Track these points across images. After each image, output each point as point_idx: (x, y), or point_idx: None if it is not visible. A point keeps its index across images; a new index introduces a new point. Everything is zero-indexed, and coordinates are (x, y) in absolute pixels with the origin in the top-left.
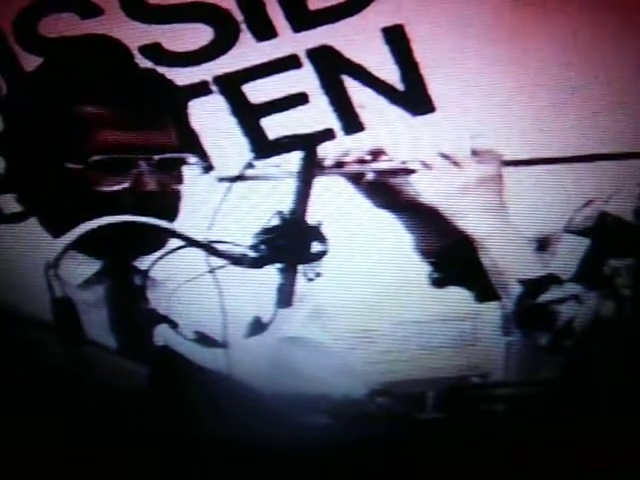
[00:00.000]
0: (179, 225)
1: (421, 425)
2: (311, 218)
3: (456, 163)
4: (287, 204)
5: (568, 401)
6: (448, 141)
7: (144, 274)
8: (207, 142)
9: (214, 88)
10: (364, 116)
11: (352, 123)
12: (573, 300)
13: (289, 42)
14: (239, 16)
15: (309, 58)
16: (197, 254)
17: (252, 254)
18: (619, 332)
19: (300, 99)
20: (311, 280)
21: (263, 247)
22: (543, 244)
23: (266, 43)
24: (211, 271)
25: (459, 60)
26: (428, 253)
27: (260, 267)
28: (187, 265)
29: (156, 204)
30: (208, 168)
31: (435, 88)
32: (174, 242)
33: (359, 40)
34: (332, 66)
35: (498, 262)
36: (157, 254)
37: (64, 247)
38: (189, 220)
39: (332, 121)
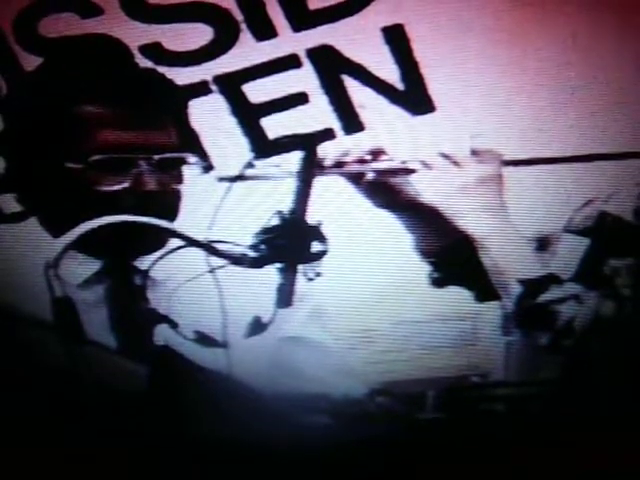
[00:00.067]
0: (179, 225)
1: (421, 425)
2: (311, 218)
3: (456, 163)
4: (287, 204)
5: (568, 401)
6: (448, 141)
7: (144, 274)
8: (207, 142)
9: (214, 88)
10: (364, 116)
11: (352, 123)
12: (573, 300)
13: (289, 42)
14: (239, 16)
15: (309, 58)
16: (197, 254)
17: (252, 254)
18: (619, 332)
19: (300, 99)
20: (311, 280)
21: (263, 247)
22: (543, 244)
23: (266, 43)
24: (211, 271)
25: (459, 60)
26: (428, 253)
27: (260, 267)
28: (187, 265)
29: (156, 204)
30: (208, 168)
31: (435, 88)
32: (174, 242)
33: (359, 40)
34: (332, 66)
35: (498, 262)
36: (157, 254)
37: (64, 247)
38: (189, 220)
39: (332, 121)
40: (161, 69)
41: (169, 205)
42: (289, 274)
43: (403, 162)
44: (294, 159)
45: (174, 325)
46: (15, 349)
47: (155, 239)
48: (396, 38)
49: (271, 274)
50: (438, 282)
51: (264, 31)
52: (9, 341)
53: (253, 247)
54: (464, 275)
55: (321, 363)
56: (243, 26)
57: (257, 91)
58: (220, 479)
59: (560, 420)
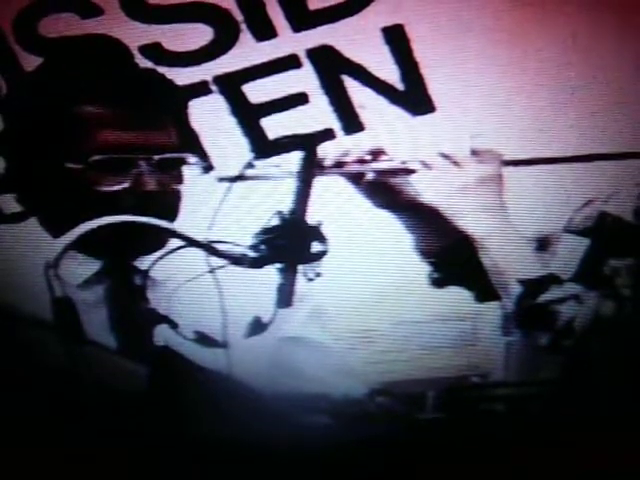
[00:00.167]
0: (179, 225)
1: (421, 425)
2: (311, 218)
3: (456, 163)
4: (287, 204)
5: (568, 401)
6: (448, 141)
7: (144, 274)
8: (207, 142)
9: (214, 88)
10: (364, 116)
11: (352, 123)
12: (573, 300)
13: (289, 42)
14: (239, 16)
15: (309, 58)
16: (197, 254)
17: (252, 254)
18: (619, 332)
19: (300, 99)
20: (311, 280)
21: (263, 247)
22: (543, 244)
23: (266, 43)
24: (211, 271)
25: (459, 60)
26: (428, 253)
27: (260, 267)
28: (187, 265)
29: (156, 204)
30: (208, 168)
31: (435, 88)
32: (174, 242)
33: (359, 40)
34: (332, 66)
35: (498, 262)
36: (157, 254)
37: (64, 247)
38: (189, 220)
39: (332, 121)
40: (161, 69)
41: (169, 205)
42: (289, 274)
43: (403, 162)
44: (294, 159)
45: (174, 325)
46: (15, 349)
47: (155, 239)
48: (396, 38)
49: (271, 274)
50: (438, 282)
51: (264, 31)
52: (9, 341)
53: (253, 247)
54: (464, 275)
55: (321, 363)
56: (243, 26)
57: (257, 91)
58: (220, 479)
59: (560, 420)
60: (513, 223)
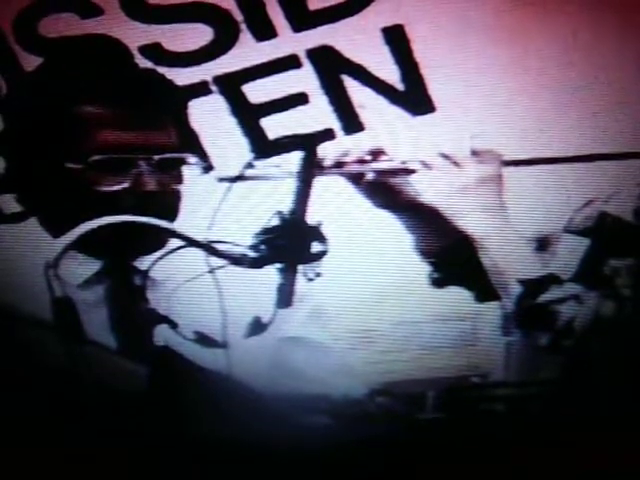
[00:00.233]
0: (179, 225)
1: (421, 425)
2: (311, 218)
3: (456, 163)
4: (287, 204)
5: (568, 401)
6: (448, 141)
7: (144, 274)
8: (207, 142)
9: (214, 88)
10: (364, 116)
11: (352, 123)
12: (573, 300)
13: (289, 42)
14: (239, 16)
15: (309, 58)
16: (197, 254)
17: (252, 254)
18: (619, 332)
19: (300, 99)
20: (311, 280)
21: (263, 247)
22: (543, 244)
23: (266, 43)
24: (211, 271)
25: (459, 60)
26: (428, 253)
27: (260, 267)
28: (187, 265)
29: (156, 204)
30: (208, 168)
31: (435, 88)
32: (174, 242)
33: (359, 40)
34: (332, 66)
35: (498, 262)
36: (157, 254)
37: (64, 247)
38: (189, 220)
39: (332, 121)
40: (161, 69)
41: (169, 205)
42: (289, 274)
43: (403, 162)
44: (294, 159)
45: (174, 325)
46: (15, 349)
47: (155, 239)
48: (396, 38)
49: (271, 274)
50: (438, 282)
51: (264, 31)
52: (9, 341)
53: (253, 247)
54: (464, 275)
55: (321, 363)
56: (243, 26)
57: (257, 91)
58: (220, 479)
59: (560, 420)
60: (513, 223)
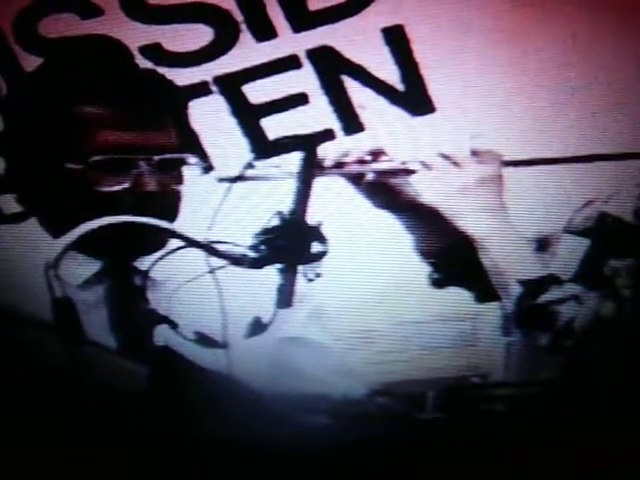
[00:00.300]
0: (179, 225)
1: (421, 425)
2: (311, 218)
3: (456, 163)
4: (287, 204)
5: (568, 401)
6: (448, 141)
7: (144, 274)
8: (207, 142)
9: (214, 88)
10: (364, 116)
11: (352, 123)
12: (573, 300)
13: (289, 42)
14: (239, 16)
15: (309, 58)
16: (197, 254)
17: (252, 254)
18: (619, 332)
19: (300, 99)
20: (311, 280)
21: (263, 247)
22: (543, 244)
23: (266, 43)
24: (211, 271)
25: (459, 61)
26: (428, 253)
27: (260, 267)
28: (187, 265)
29: (156, 204)
30: (208, 168)
31: (435, 89)
32: (174, 242)
33: (359, 40)
34: (332, 66)
35: (498, 262)
36: (157, 254)
37: (64, 247)
38: (189, 220)
39: (332, 121)
40: (161, 70)
41: (169, 206)
42: (289, 275)
43: (403, 163)
44: (294, 160)
45: (174, 325)
46: (15, 349)
47: (155, 240)
48: (396, 39)
49: (271, 275)
50: (438, 283)
51: (264, 32)
52: (9, 341)
53: (253, 248)
54: (464, 276)
55: (321, 363)
56: (243, 27)
57: (257, 92)
58: (220, 479)
59: (560, 420)
60: (513, 223)
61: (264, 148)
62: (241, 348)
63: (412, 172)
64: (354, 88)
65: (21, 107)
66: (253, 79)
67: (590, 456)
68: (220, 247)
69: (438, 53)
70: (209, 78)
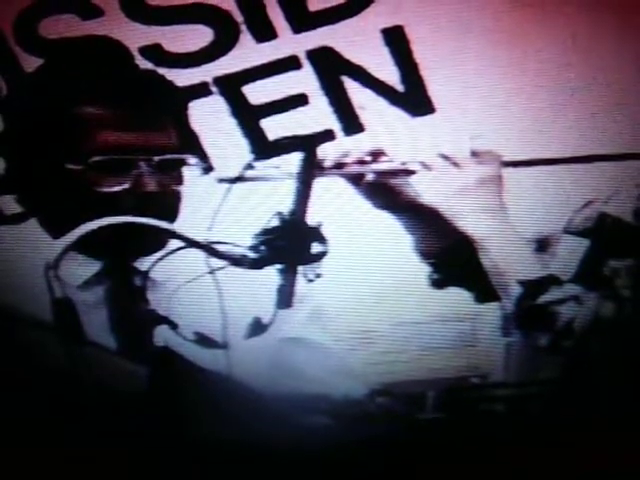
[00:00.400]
0: (179, 226)
1: (421, 425)
2: (311, 219)
3: (456, 164)
4: (287, 205)
5: (568, 401)
6: (448, 142)
7: (144, 275)
8: (207, 143)
9: (214, 89)
10: (364, 117)
11: (352, 124)
12: (573, 301)
13: (289, 43)
14: (239, 17)
15: (309, 59)
16: (197, 255)
17: (252, 255)
18: (619, 333)
19: (300, 100)
20: (311, 281)
21: (263, 248)
22: (543, 245)
23: (266, 44)
24: (211, 272)
25: (459, 61)
26: (428, 254)
27: (260, 268)
28: (187, 266)
29: (156, 205)
30: (208, 169)
31: (435, 89)
32: (174, 243)
33: (359, 41)
34: (332, 67)
35: (498, 263)
36: (157, 255)
37: (64, 248)
38: (189, 221)
39: (332, 122)
40: (161, 70)
41: (169, 206)
42: (289, 275)
43: (403, 163)
44: (294, 160)
45: (174, 326)
46: (15, 350)
47: (155, 240)
48: (396, 40)
49: (271, 275)
50: (438, 283)
51: (264, 32)
52: (9, 342)
53: (253, 248)
54: (464, 276)
55: (321, 364)
56: (243, 27)
57: (257, 92)
58: None
59: (560, 420)
60: (513, 224)
61: (264, 149)
62: (241, 349)
63: (412, 173)
64: (354, 89)
65: (21, 108)
66: (253, 80)
67: (590, 456)
68: (220, 248)
69: (438, 54)
70: (209, 79)
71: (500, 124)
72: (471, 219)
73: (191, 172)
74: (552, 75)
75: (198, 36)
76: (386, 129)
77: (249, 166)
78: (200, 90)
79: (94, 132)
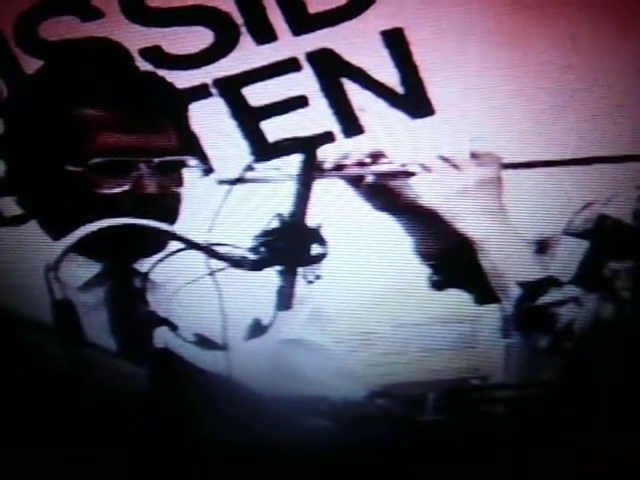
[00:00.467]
0: (179, 228)
1: (421, 427)
2: (311, 221)
3: (455, 166)
4: (287, 207)
5: (568, 403)
6: (447, 144)
7: (144, 276)
8: (207, 145)
9: (214, 91)
10: (364, 119)
11: (352, 126)
12: (573, 302)
13: (289, 45)
14: (239, 19)
15: (309, 61)
16: (197, 257)
17: (252, 256)
18: (619, 334)
19: (300, 102)
20: (311, 282)
21: (263, 250)
22: (542, 246)
23: (266, 46)
24: (211, 273)
25: (459, 63)
26: (428, 255)
27: (260, 269)
28: (187, 267)
29: (156, 207)
30: (208, 171)
31: (435, 91)
32: (174, 245)
33: (359, 43)
34: (332, 69)
35: (498, 264)
36: (157, 256)
37: (64, 249)
38: (189, 223)
39: (332, 124)
40: (161, 72)
41: (169, 208)
42: (289, 277)
43: (403, 165)
44: (294, 162)
45: (174, 327)
46: (15, 351)
47: (155, 242)
48: (396, 42)
49: (271, 277)
50: (438, 285)
51: (264, 35)
52: (9, 344)
53: (253, 250)
54: (464, 278)
55: (321, 366)
56: (243, 29)
57: (257, 94)
58: None
59: (560, 422)
60: (513, 226)
61: (264, 150)
62: (241, 350)
63: (412, 174)
64: (354, 91)
65: (22, 109)
66: (253, 82)
67: (590, 457)
68: (220, 249)
69: (438, 56)
70: (209, 81)
71: (500, 126)
72: (471, 221)
73: (191, 174)
74: (552, 77)
75: (198, 38)
76: (386, 131)
77: (249, 168)
78: (200, 92)
79: (94, 134)
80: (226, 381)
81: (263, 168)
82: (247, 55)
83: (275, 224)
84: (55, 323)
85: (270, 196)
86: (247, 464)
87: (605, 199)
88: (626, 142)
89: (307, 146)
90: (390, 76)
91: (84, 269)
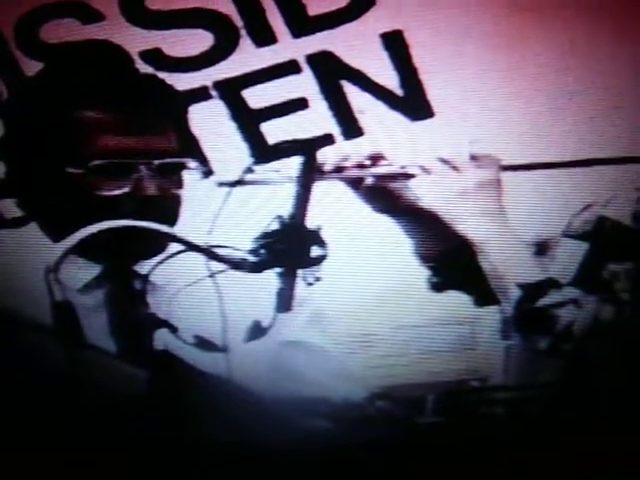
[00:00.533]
0: (179, 229)
1: (421, 429)
2: (311, 223)
3: (455, 168)
4: (287, 209)
5: (567, 404)
6: (447, 146)
7: (144, 278)
8: (207, 147)
9: (214, 93)
10: (363, 121)
11: (351, 128)
12: (572, 304)
13: (289, 48)
14: (239, 22)
15: (308, 63)
16: (197, 259)
17: (252, 258)
18: (618, 336)
19: (300, 104)
20: (311, 284)
21: (263, 251)
22: (542, 248)
23: (266, 49)
24: (211, 275)
25: (458, 66)
26: (427, 257)
27: (260, 271)
28: (187, 269)
29: (156, 209)
30: (208, 173)
31: (434, 93)
32: (174, 246)
33: (358, 46)
34: (331, 71)
35: (497, 266)
36: (157, 258)
37: (64, 251)
38: (189, 225)
39: (331, 126)
40: (161, 75)
41: (169, 210)
42: (289, 279)
43: (402, 167)
44: (294, 164)
45: (174, 329)
46: (15, 353)
47: (155, 244)
48: (395, 44)
49: (271, 279)
50: (437, 286)
51: (264, 37)
52: (10, 345)
53: (253, 252)
54: (463, 280)
55: (321, 367)
56: (243, 32)
57: (257, 96)
58: None
59: (559, 423)
60: (512, 228)
61: (264, 152)
62: (241, 352)
63: (411, 176)
64: (353, 93)
65: (22, 112)
66: (253, 84)
67: (590, 458)
68: (220, 251)
69: (437, 58)
70: (209, 83)
71: (499, 128)
72: (470, 223)
73: (191, 176)
74: (551, 79)
75: (198, 40)
76: (385, 133)
77: (249, 170)
78: (200, 94)
79: (94, 136)
80: (226, 383)
81: (263, 170)
82: (247, 57)
83: (275, 226)
84: (55, 325)
85: (270, 198)
86: (247, 465)
87: (604, 201)
88: (625, 144)
89: (307, 148)
90: (389, 78)
91: (84, 271)
